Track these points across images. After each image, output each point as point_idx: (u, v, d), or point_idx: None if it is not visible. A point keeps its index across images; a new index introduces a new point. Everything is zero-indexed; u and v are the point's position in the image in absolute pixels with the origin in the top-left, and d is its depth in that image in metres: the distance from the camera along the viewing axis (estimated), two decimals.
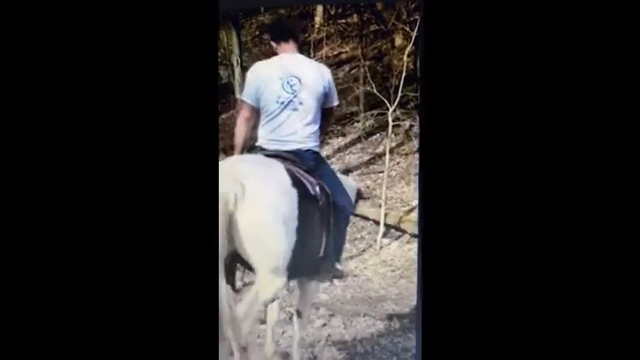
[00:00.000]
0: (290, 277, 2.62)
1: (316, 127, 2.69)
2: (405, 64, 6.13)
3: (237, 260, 2.52)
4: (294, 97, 2.61)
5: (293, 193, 2.44)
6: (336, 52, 10.54)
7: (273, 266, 2.44)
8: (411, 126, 6.87)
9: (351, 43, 10.20)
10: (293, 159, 2.60)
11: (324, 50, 10.56)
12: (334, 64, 10.12)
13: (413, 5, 6.91)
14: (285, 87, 2.61)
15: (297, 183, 2.47)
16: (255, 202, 2.34)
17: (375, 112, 6.88)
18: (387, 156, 5.83)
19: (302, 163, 2.61)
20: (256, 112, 2.68)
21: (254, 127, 2.74)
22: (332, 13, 11.12)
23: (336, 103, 2.81)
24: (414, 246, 5.11)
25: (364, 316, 3.80)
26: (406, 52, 6.23)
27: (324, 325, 3.72)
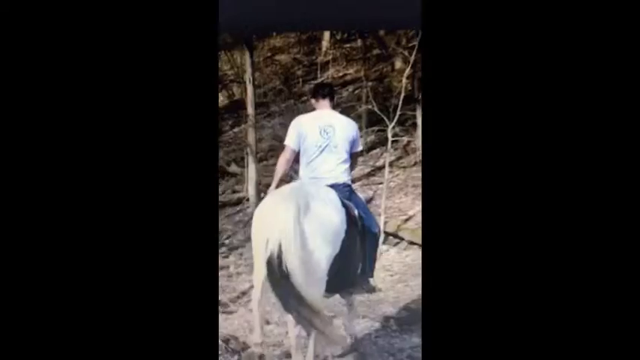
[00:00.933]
0: (330, 291, 2.80)
1: (347, 165, 3.04)
2: (404, 85, 6.11)
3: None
4: (330, 141, 2.97)
5: (343, 211, 2.70)
6: (341, 74, 10.55)
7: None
8: (409, 142, 6.88)
9: (355, 65, 10.22)
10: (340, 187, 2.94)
11: (331, 72, 10.57)
12: (339, 84, 10.13)
13: (412, 32, 6.91)
14: (322, 134, 2.97)
15: (344, 205, 2.76)
16: (318, 212, 2.58)
17: (376, 128, 6.88)
18: (387, 169, 5.78)
19: (339, 192, 2.85)
20: (296, 155, 3.03)
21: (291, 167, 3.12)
22: (338, 37, 11.14)
23: (360, 148, 3.18)
24: (411, 252, 5.05)
25: (363, 317, 3.73)
26: (405, 74, 6.20)
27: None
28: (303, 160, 3.03)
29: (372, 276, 3.08)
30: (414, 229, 5.29)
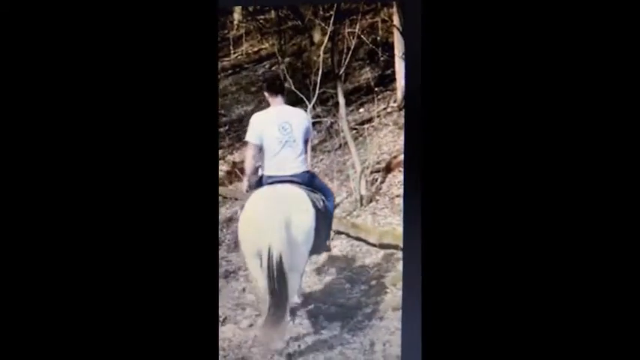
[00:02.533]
0: None
1: (304, 155, 3.88)
2: (322, 60, 6.12)
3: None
4: (289, 137, 3.71)
5: (313, 211, 3.55)
6: (255, 49, 10.46)
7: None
8: (332, 123, 6.89)
9: (271, 39, 10.15)
10: (297, 180, 3.71)
11: (244, 47, 10.47)
12: (254, 60, 10.05)
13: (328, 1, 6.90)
14: (281, 131, 3.72)
15: (313, 204, 3.55)
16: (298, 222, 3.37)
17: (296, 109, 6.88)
18: (309, 153, 5.81)
19: (303, 182, 3.70)
20: (260, 150, 3.64)
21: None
22: (250, 9, 11.03)
23: (312, 134, 4.01)
24: (338, 243, 5.13)
25: (291, 314, 3.79)
26: (322, 48, 6.22)
27: (251, 325, 3.69)
28: (266, 155, 3.71)
29: (329, 238, 3.86)
30: (340, 217, 5.36)
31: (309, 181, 3.77)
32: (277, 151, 3.70)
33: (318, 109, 7.01)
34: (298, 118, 3.84)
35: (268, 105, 4.17)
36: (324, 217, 3.70)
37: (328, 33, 6.44)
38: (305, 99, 5.79)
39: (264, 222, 3.40)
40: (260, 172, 3.79)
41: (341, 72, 6.54)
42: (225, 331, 3.70)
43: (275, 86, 3.96)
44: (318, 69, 6.41)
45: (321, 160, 7.09)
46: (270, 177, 3.71)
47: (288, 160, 3.73)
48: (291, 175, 3.69)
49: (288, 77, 6.54)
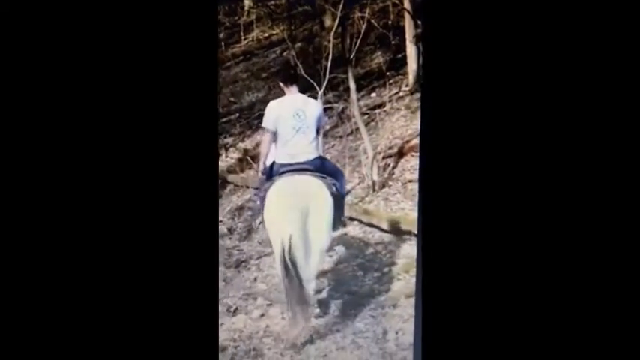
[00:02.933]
0: None
1: (316, 142, 3.77)
2: (333, 45, 6.06)
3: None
4: (302, 124, 3.66)
5: (330, 200, 3.60)
6: (266, 35, 10.44)
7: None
8: (344, 108, 6.84)
9: (281, 25, 10.11)
10: (309, 168, 3.65)
11: (255, 33, 10.45)
12: (265, 46, 10.03)
13: None
14: (295, 117, 3.65)
15: (331, 193, 3.62)
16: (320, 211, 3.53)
17: (307, 94, 6.83)
18: (320, 139, 5.74)
19: (314, 167, 3.66)
20: (274, 136, 3.71)
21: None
22: None
23: (325, 121, 4.23)
24: (350, 229, 5.08)
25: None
26: (332, 33, 6.16)
27: (262, 315, 3.67)
28: (279, 141, 3.69)
29: (343, 214, 4.00)
30: (352, 203, 5.32)
31: (320, 167, 3.75)
32: (291, 137, 3.67)
33: (330, 95, 6.97)
34: (312, 107, 3.79)
35: (279, 91, 4.06)
36: (337, 200, 3.74)
37: (338, 17, 6.35)
38: (315, 84, 5.75)
39: (285, 214, 3.49)
40: (271, 160, 3.79)
41: (352, 56, 6.44)
42: (235, 322, 3.66)
43: (289, 75, 3.89)
44: (328, 54, 6.34)
45: (333, 146, 7.03)
46: (283, 165, 3.70)
47: (300, 146, 3.68)
48: (304, 162, 3.67)
49: (298, 63, 6.49)
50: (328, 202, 3.56)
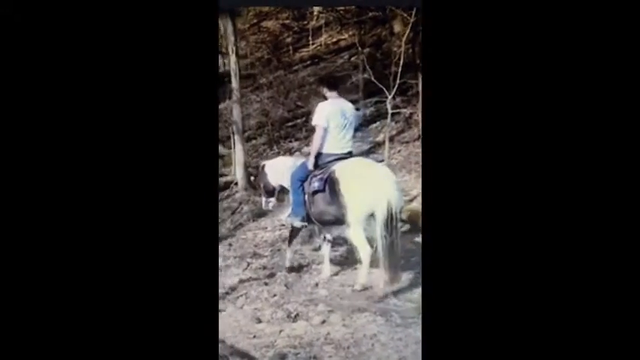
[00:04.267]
0: None
1: (352, 138, 4.50)
2: (404, 50, 5.96)
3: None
4: (347, 122, 4.34)
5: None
6: (334, 40, 10.40)
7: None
8: (412, 113, 6.74)
9: (350, 30, 10.05)
10: (347, 157, 4.35)
11: (323, 38, 10.43)
12: (333, 51, 9.99)
13: None
14: (341, 117, 4.31)
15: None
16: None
17: (375, 99, 6.76)
18: (387, 144, 5.66)
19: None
20: (325, 132, 4.32)
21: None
22: None
23: (358, 122, 4.71)
24: (415, 237, 4.96)
25: (364, 312, 3.66)
26: (404, 38, 6.05)
27: (324, 322, 3.58)
28: (329, 136, 4.31)
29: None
30: (418, 210, 5.19)
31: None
32: (338, 133, 4.32)
33: (398, 100, 6.87)
34: (350, 108, 4.50)
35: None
36: None
37: (410, 23, 6.26)
38: (384, 89, 5.67)
39: (372, 189, 4.02)
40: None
41: (422, 61, 6.31)
42: (296, 328, 3.59)
43: (332, 83, 4.58)
44: (398, 59, 6.24)
45: (399, 151, 6.93)
46: (329, 154, 4.35)
47: (345, 140, 4.39)
48: (346, 153, 4.37)
49: (367, 68, 6.44)
50: (392, 180, 4.13)
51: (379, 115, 7.00)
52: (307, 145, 7.23)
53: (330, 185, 4.15)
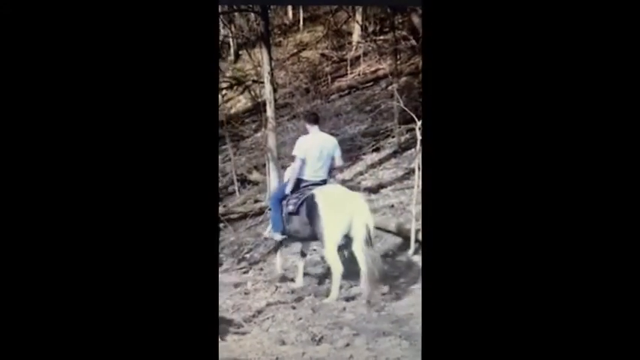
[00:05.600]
0: None
1: (328, 167, 5.04)
2: None
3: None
4: (322, 154, 4.88)
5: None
6: (373, 69, 10.45)
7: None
8: None
9: (388, 59, 10.09)
10: (321, 184, 4.90)
11: (362, 67, 10.50)
12: (371, 80, 10.04)
13: None
14: (319, 150, 4.86)
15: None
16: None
17: (409, 127, 6.76)
18: (417, 171, 5.64)
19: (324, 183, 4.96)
20: (303, 163, 4.89)
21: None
22: (370, 30, 11.06)
23: (339, 154, 5.06)
24: None
25: (389, 335, 3.63)
26: None
27: (347, 345, 3.57)
28: (307, 167, 4.90)
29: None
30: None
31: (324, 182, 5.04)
32: (313, 163, 4.90)
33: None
34: (331, 142, 5.03)
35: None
36: None
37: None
38: (413, 116, 5.67)
39: (350, 213, 4.50)
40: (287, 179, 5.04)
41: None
42: (319, 351, 3.59)
43: (312, 118, 5.14)
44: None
45: None
46: (305, 181, 4.91)
47: (322, 171, 4.94)
48: (320, 181, 4.91)
49: (398, 96, 6.49)
50: (366, 206, 4.65)
51: (414, 142, 6.98)
52: (341, 171, 7.28)
53: (308, 207, 4.66)
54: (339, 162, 5.09)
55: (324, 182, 4.95)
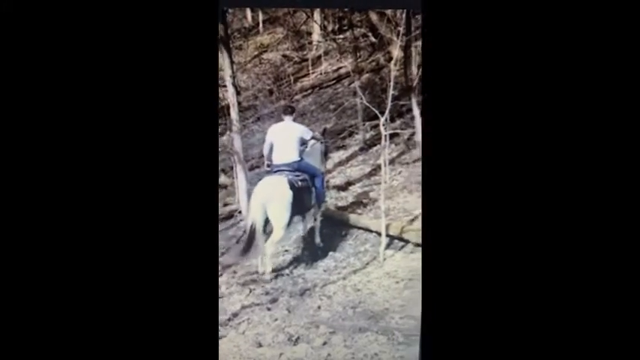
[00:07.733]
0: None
1: (297, 150, 5.51)
2: (394, 72, 5.97)
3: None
4: (293, 140, 5.43)
5: (290, 193, 5.22)
6: (334, 67, 10.44)
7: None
8: (411, 135, 6.74)
9: (350, 57, 10.09)
10: (287, 169, 5.37)
11: (323, 66, 10.47)
12: (334, 78, 10.03)
13: (403, 15, 6.72)
14: (285, 135, 5.43)
15: (291, 185, 5.26)
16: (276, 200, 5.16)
17: (374, 123, 6.77)
18: (384, 166, 5.67)
19: (292, 167, 5.40)
20: (272, 146, 5.52)
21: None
22: (329, 29, 11.05)
23: (309, 137, 5.68)
24: (418, 255, 4.93)
25: (366, 331, 3.63)
26: (393, 60, 6.07)
27: (325, 343, 3.56)
28: (275, 151, 5.45)
29: (324, 200, 5.76)
30: (420, 230, 5.16)
31: (297, 166, 5.44)
32: (283, 147, 5.42)
33: (397, 122, 6.89)
34: (301, 130, 5.60)
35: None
36: (304, 190, 5.36)
37: (397, 46, 6.26)
38: (377, 112, 5.67)
39: (254, 204, 5.12)
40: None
41: (414, 84, 6.38)
42: (297, 351, 3.59)
43: (286, 109, 5.73)
44: (396, 83, 6.24)
45: (400, 172, 6.93)
46: (275, 165, 5.44)
47: (292, 153, 5.41)
48: (286, 164, 5.40)
49: (361, 94, 6.49)
50: (286, 191, 5.14)
51: (380, 139, 7.00)
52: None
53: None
54: (307, 136, 5.60)
55: (295, 164, 5.41)
